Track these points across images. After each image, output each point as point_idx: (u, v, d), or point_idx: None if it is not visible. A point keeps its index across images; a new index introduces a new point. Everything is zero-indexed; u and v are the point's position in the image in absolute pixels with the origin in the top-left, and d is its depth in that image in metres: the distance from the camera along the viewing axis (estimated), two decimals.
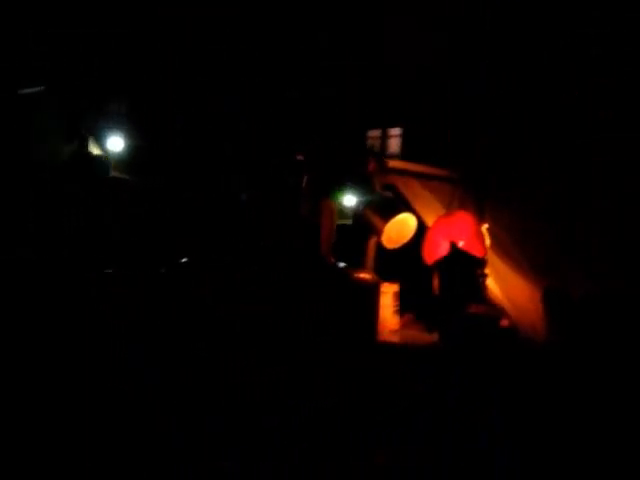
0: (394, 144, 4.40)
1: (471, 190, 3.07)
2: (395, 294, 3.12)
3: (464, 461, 2.52)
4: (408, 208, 3.08)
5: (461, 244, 2.78)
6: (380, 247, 3.14)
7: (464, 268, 2.78)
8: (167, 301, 3.10)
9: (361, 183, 3.13)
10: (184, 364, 2.99)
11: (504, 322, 2.79)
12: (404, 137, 4.30)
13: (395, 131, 4.43)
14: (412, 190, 3.13)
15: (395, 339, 3.03)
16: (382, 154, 3.31)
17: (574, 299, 2.72)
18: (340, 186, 3.17)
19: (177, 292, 3.12)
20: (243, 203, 3.34)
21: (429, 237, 2.93)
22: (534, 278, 2.89)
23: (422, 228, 3.07)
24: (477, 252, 2.79)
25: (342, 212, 3.33)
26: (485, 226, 2.91)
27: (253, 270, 3.02)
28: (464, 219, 2.86)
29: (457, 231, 2.81)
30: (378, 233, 3.04)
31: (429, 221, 3.05)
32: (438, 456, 2.57)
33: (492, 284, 2.91)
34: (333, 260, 3.09)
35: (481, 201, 3.02)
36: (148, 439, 2.73)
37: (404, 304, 3.16)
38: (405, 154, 4.09)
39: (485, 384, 2.66)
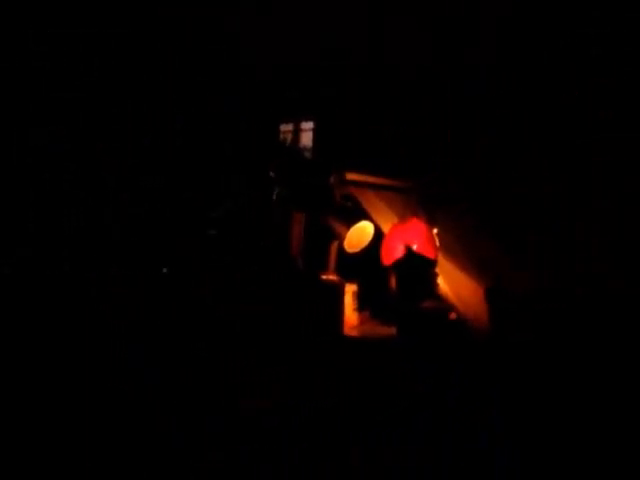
0: (306, 138, 4.49)
1: (422, 200, 3.38)
2: (354, 293, 3.41)
3: (464, 461, 2.58)
4: (365, 216, 3.38)
5: (415, 247, 3.09)
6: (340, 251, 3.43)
7: (418, 268, 3.11)
8: (166, 301, 3.20)
9: (323, 194, 3.42)
10: (183, 364, 3.06)
11: (452, 315, 3.13)
12: (316, 131, 4.40)
13: (308, 125, 4.52)
14: (368, 200, 3.41)
15: (355, 334, 3.31)
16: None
17: (510, 295, 3.05)
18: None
19: (176, 292, 3.23)
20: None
21: (386, 241, 3.22)
22: (476, 276, 3.21)
23: (378, 234, 3.36)
24: (429, 254, 3.10)
25: None
26: (435, 231, 3.22)
27: (240, 273, 3.26)
28: (417, 225, 3.17)
29: (411, 236, 3.12)
30: (340, 238, 3.35)
31: (384, 227, 3.34)
32: (438, 456, 2.63)
33: (441, 282, 3.21)
34: (301, 264, 3.42)
35: (431, 210, 3.32)
36: (148, 439, 2.77)
37: (360, 303, 3.45)
38: (318, 149, 4.26)
39: (484, 384, 2.77)
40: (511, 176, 3.42)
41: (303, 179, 3.54)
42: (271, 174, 3.51)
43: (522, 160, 3.39)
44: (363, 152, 3.81)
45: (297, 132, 4.56)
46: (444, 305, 3.16)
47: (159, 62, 3.86)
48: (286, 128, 4.57)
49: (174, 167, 3.75)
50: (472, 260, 3.26)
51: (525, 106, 3.43)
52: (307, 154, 4.34)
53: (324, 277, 3.35)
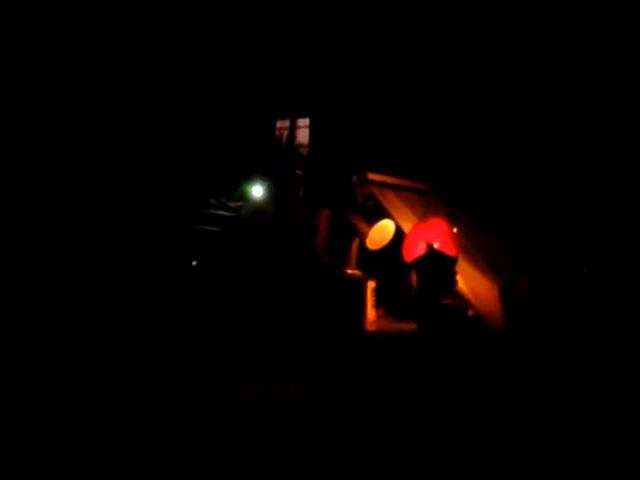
0: (302, 135, 4.59)
1: (442, 201, 3.46)
2: (373, 290, 3.49)
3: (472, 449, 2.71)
4: (386, 215, 3.47)
5: (436, 245, 3.10)
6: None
7: (439, 266, 3.12)
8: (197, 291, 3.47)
9: (346, 193, 3.53)
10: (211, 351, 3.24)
11: (470, 311, 3.19)
12: (312, 128, 4.48)
13: (304, 122, 4.60)
14: (388, 199, 3.50)
15: (374, 328, 3.43)
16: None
17: (517, 293, 3.14)
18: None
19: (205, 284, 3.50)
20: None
21: (408, 239, 3.24)
22: (491, 275, 3.31)
23: (398, 232, 3.45)
24: (450, 252, 3.13)
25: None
26: (455, 229, 3.24)
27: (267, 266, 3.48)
28: (439, 224, 3.20)
29: (433, 234, 3.14)
30: (363, 236, 3.44)
31: (403, 226, 3.40)
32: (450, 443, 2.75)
33: (459, 280, 3.24)
34: (326, 259, 3.51)
35: (451, 210, 3.37)
36: (150, 438, 2.79)
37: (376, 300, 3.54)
38: (313, 145, 4.37)
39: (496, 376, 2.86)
40: (523, 181, 3.49)
41: (328, 178, 3.71)
42: (298, 172, 3.71)
43: (534, 166, 3.46)
44: (384, 153, 3.95)
45: (293, 129, 4.68)
46: (462, 302, 3.22)
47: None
48: (282, 124, 4.71)
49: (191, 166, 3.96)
50: (486, 260, 3.36)
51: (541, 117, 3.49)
52: (303, 151, 4.47)
53: (349, 272, 3.47)
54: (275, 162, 3.91)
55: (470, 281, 3.26)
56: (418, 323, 3.22)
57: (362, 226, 3.46)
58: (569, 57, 3.63)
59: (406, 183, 3.56)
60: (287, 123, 4.77)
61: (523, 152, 3.66)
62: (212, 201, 3.78)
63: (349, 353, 3.15)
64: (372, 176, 3.49)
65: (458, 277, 3.21)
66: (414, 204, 3.48)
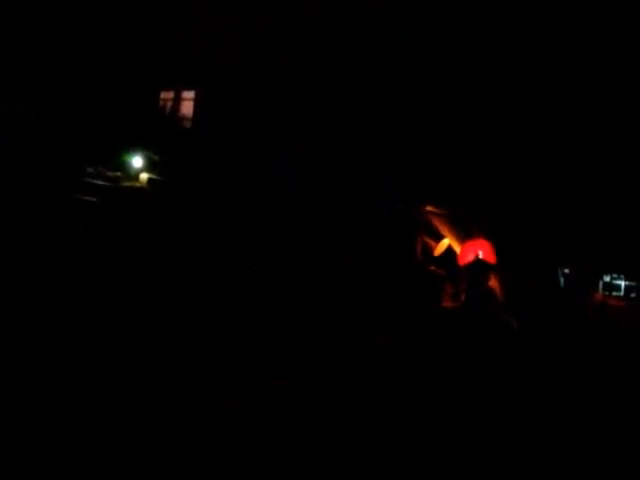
0: (187, 107, 4.73)
1: (475, 223, 4.94)
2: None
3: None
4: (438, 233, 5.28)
5: (481, 255, 4.59)
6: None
7: (481, 269, 4.61)
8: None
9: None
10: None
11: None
12: (198, 101, 4.61)
13: (189, 94, 4.77)
14: (437, 223, 5.21)
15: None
16: None
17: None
18: None
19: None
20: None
21: (462, 250, 4.87)
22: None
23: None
24: (491, 260, 4.69)
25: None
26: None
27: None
28: (483, 241, 4.78)
29: (478, 247, 4.68)
30: (428, 247, 5.12)
31: (450, 242, 5.10)
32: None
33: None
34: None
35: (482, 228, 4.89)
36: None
37: None
38: (198, 118, 4.55)
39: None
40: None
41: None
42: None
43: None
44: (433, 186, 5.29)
45: (177, 101, 4.76)
46: (493, 290, 4.82)
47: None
48: (166, 96, 4.79)
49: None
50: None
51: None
52: (187, 124, 4.69)
53: (432, 269, 5.17)
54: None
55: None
56: (467, 302, 4.73)
57: (427, 240, 5.15)
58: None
59: (444, 212, 5.15)
60: (171, 94, 4.83)
61: (524, 156, 4.57)
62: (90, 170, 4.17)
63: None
64: (427, 208, 5.01)
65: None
66: (454, 226, 5.07)
